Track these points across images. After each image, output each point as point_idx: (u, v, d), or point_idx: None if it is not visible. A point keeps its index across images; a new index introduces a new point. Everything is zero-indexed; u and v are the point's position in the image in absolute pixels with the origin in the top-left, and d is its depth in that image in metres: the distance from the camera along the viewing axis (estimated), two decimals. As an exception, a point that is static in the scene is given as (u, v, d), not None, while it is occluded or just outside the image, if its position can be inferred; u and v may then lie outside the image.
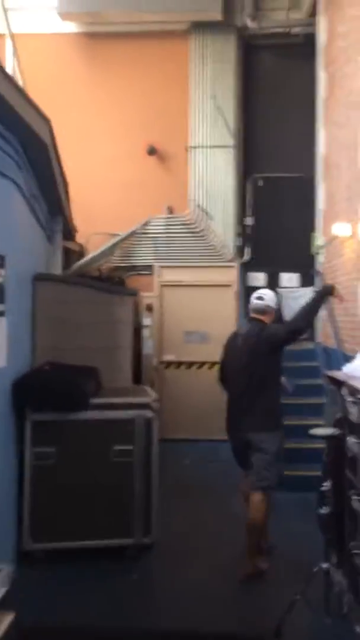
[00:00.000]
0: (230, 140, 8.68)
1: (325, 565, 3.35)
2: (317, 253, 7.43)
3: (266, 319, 3.99)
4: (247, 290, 7.92)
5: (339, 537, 3.42)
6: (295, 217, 8.44)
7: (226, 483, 5.83)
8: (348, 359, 4.34)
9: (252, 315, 4.05)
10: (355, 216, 5.63)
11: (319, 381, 6.00)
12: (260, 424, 3.77)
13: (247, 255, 8.66)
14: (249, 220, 8.93)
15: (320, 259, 7.34)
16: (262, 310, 4.00)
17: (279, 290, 8.04)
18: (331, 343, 6.17)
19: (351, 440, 3.23)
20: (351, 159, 5.88)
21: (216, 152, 8.68)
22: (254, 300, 4.07)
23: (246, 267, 8.56)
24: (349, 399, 3.20)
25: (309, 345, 7.11)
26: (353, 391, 3.12)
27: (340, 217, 6.26)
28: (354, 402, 3.09)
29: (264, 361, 3.81)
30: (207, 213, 8.64)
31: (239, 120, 8.85)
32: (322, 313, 6.14)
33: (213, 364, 8.04)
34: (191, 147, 8.71)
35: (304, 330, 4.02)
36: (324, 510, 3.36)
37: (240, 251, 8.69)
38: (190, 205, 8.66)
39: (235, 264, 8.29)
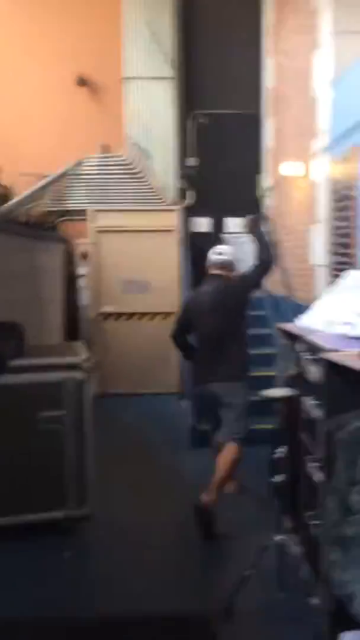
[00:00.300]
0: (168, 71, 7.95)
1: (278, 537, 3.04)
2: (264, 196, 6.97)
3: (227, 273, 3.96)
4: (191, 237, 7.47)
5: (293, 506, 3.11)
6: (242, 157, 7.86)
7: (172, 441, 5.51)
8: (300, 308, 3.96)
9: (213, 271, 3.99)
10: (305, 154, 5.17)
11: (268, 330, 5.66)
12: (232, 375, 3.79)
13: (189, 199, 8.08)
14: (192, 161, 8.32)
15: (268, 202, 6.88)
16: (223, 265, 3.97)
17: (223, 236, 7.62)
18: (280, 291, 5.80)
19: (308, 401, 2.87)
20: (301, 90, 5.37)
21: (153, 85, 7.94)
22: (213, 256, 4.01)
23: (189, 212, 8.00)
24: (307, 356, 2.82)
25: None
26: (312, 348, 2.73)
27: (289, 156, 5.80)
28: (313, 360, 2.70)
29: (233, 314, 3.87)
30: (145, 152, 7.97)
31: (178, 50, 8.09)
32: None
33: (155, 314, 7.60)
34: (125, 78, 7.91)
35: (270, 263, 3.99)
36: (278, 478, 3.03)
37: (182, 194, 8.11)
38: (127, 143, 7.94)
39: (177, 208, 7.71)
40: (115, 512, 4.09)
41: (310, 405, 2.80)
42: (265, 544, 3.05)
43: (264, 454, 3.70)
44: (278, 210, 6.35)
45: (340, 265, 4.43)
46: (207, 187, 8.02)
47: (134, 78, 7.89)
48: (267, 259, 3.92)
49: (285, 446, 3.03)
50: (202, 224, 8.01)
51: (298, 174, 5.20)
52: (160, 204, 7.81)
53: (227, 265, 3.96)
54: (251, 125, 7.94)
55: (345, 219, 4.33)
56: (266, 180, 6.90)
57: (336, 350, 2.43)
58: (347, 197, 4.27)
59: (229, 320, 3.83)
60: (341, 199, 4.43)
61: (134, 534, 3.87)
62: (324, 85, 4.73)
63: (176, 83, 8.06)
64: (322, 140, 4.78)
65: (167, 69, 7.94)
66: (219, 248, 4.07)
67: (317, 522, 2.73)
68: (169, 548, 3.75)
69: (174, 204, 7.81)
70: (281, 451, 3.02)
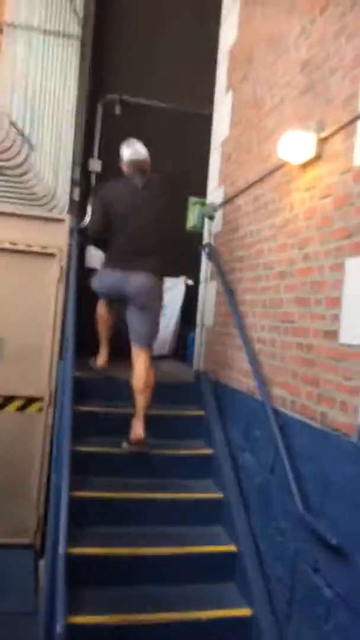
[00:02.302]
0: (74, 28, 5.38)
1: None
2: (210, 216, 4.39)
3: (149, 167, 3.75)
4: (87, 273, 4.67)
5: None
6: (171, 165, 5.38)
7: None
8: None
9: (138, 167, 3.71)
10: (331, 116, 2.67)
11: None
12: (158, 269, 3.61)
13: (88, 218, 5.40)
14: (95, 164, 5.73)
15: (213, 227, 4.32)
16: (146, 164, 3.72)
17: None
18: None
19: None
20: (278, 54, 2.97)
21: (51, 43, 5.29)
22: (133, 153, 3.72)
23: (83, 237, 5.30)
24: None
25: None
26: None
27: (260, 152, 3.33)
28: None
29: (164, 208, 3.73)
30: (27, 139, 5.22)
31: (89, 5, 5.61)
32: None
33: (7, 399, 4.67)
34: (9, 24, 5.22)
35: None
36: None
37: (77, 208, 5.43)
38: (2, 120, 5.16)
39: (66, 225, 4.95)
40: None
41: None
42: None
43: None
44: (230, 239, 3.80)
45: None
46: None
47: (20, 27, 5.21)
48: None
49: None
50: (100, 255, 5.30)
51: (307, 156, 2.66)
52: (40, 219, 4.99)
53: (148, 167, 3.74)
54: (189, 122, 5.57)
55: None
56: (215, 194, 4.36)
57: None
58: None
59: (160, 213, 3.68)
60: None
61: None
62: None
63: (84, 48, 5.50)
64: None
65: (73, 24, 5.37)
66: (136, 144, 3.77)
67: None
68: None
69: (61, 221, 5.03)
70: None
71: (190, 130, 5.76)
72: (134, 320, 3.58)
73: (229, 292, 3.64)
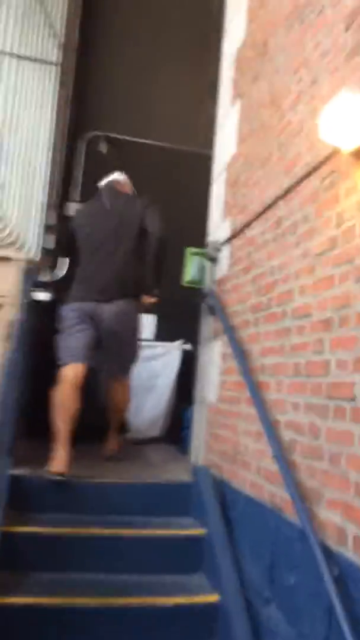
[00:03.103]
0: (53, 53, 4.64)
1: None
2: (213, 259, 3.37)
3: (126, 189, 3.59)
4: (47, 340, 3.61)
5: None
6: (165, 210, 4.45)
7: None
8: None
9: (108, 187, 3.53)
10: None
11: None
12: (129, 292, 3.24)
13: (60, 270, 4.43)
14: (74, 209, 4.84)
15: (217, 271, 3.29)
16: (121, 184, 3.58)
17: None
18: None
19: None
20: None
21: (25, 68, 4.53)
22: (111, 178, 3.61)
23: (58, 291, 4.33)
24: None
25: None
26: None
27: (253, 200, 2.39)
28: None
29: (135, 226, 3.30)
30: (-8, 175, 4.33)
31: (71, 29, 4.91)
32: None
33: None
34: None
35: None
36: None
37: (50, 257, 4.47)
38: None
39: (18, 265, 3.93)
40: None
41: None
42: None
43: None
44: (254, 279, 2.78)
45: None
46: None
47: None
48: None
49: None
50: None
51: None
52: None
53: (123, 187, 3.55)
54: (185, 162, 4.76)
55: None
56: (218, 232, 3.36)
57: None
58: None
59: (132, 232, 3.29)
60: None
61: None
62: None
63: (64, 76, 4.74)
64: None
65: (51, 49, 4.63)
66: (115, 174, 3.63)
67: None
68: None
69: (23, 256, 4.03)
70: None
71: (187, 172, 4.92)
72: (108, 351, 3.23)
73: (240, 354, 2.57)
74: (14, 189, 4.35)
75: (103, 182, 3.58)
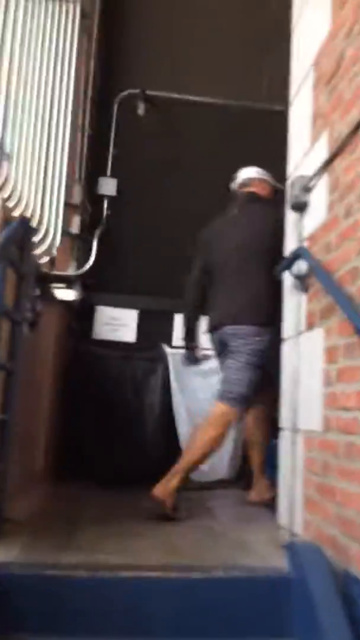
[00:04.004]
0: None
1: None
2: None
3: (261, 191, 2.95)
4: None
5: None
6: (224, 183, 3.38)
7: None
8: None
9: (243, 189, 2.98)
10: None
11: None
12: (248, 315, 2.72)
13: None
14: (107, 185, 3.84)
15: (306, 222, 2.14)
16: (254, 180, 2.96)
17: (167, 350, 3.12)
18: None
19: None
20: None
21: (44, 10, 3.59)
22: (238, 175, 3.01)
23: (86, 298, 3.41)
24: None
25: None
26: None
27: None
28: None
29: (270, 241, 2.67)
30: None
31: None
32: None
33: None
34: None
35: None
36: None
37: (77, 245, 3.51)
38: None
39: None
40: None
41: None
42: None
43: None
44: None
45: None
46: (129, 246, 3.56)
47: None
48: None
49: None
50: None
51: None
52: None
53: (257, 180, 2.96)
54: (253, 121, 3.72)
55: None
56: (306, 163, 2.20)
57: None
58: None
59: (265, 239, 2.72)
60: None
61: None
62: None
63: (88, 20, 3.78)
64: None
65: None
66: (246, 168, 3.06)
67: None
68: None
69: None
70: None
71: (253, 135, 3.83)
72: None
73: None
74: (24, 161, 3.38)
75: (234, 182, 3.02)
